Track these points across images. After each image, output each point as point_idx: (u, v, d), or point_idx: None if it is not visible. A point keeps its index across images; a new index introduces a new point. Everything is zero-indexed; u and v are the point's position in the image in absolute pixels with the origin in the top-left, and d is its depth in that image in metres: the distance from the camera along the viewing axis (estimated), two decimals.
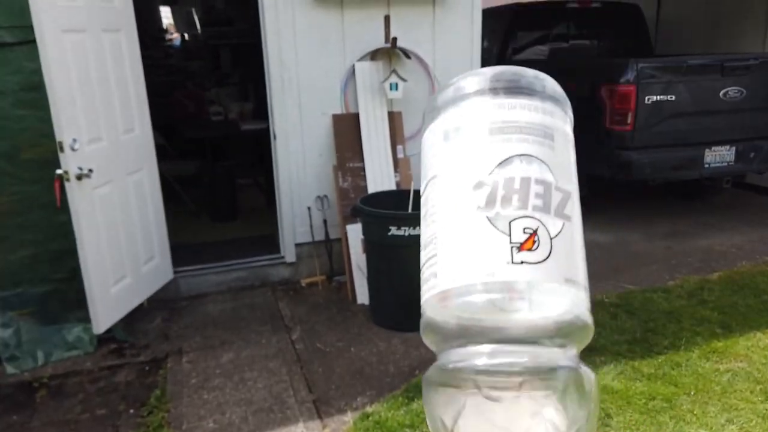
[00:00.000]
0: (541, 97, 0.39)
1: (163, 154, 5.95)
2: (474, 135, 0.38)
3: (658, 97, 4.30)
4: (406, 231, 3.19)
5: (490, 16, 6.26)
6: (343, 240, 3.86)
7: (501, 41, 5.98)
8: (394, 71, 3.80)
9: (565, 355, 0.37)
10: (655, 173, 4.51)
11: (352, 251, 3.79)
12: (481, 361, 0.36)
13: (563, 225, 0.36)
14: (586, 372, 0.38)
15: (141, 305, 3.69)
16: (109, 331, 3.31)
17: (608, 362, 2.96)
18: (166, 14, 8.78)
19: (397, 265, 3.29)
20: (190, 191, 5.50)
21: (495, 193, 0.36)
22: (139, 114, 3.45)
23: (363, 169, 3.92)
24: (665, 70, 4.36)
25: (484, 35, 6.11)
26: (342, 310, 3.71)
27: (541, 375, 0.36)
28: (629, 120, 4.28)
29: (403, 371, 3.00)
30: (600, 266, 4.21)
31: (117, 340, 3.38)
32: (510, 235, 0.35)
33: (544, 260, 0.35)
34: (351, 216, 3.63)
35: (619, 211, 5.43)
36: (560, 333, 0.37)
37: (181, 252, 4.24)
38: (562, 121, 0.40)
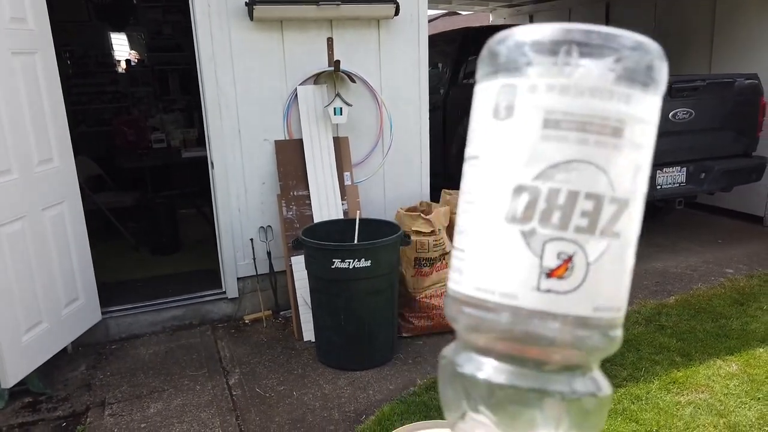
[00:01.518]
0: (617, 75, 0.30)
1: (101, 185, 5.65)
2: (525, 123, 0.31)
3: None
4: (351, 264, 2.98)
5: (441, 39, 6.22)
6: (288, 273, 3.63)
7: (453, 65, 5.92)
8: (338, 95, 3.63)
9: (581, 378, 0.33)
10: None
11: (297, 285, 3.55)
12: (482, 375, 0.33)
13: (607, 245, 0.31)
14: (602, 389, 0.34)
15: (64, 350, 3.36)
16: (22, 383, 2.98)
17: None
18: (116, 40, 8.50)
19: (342, 300, 3.08)
20: (129, 224, 5.19)
21: (534, 204, 0.31)
22: (59, 143, 3.17)
23: (308, 197, 3.71)
24: None
25: (437, 59, 6.07)
26: (286, 348, 3.46)
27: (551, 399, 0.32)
28: None
29: (348, 417, 2.77)
30: None
31: (32, 393, 3.04)
32: (542, 258, 0.31)
33: (574, 290, 0.31)
34: (294, 248, 3.41)
35: None
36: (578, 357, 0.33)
37: (114, 290, 3.94)
38: (641, 103, 0.31)
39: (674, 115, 4.43)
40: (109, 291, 3.95)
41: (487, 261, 0.33)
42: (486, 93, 0.34)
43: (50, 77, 3.11)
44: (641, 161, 0.32)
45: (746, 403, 2.73)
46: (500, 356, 0.33)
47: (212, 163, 3.65)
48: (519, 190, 0.31)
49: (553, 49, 0.31)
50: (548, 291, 0.31)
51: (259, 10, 3.42)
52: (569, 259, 0.31)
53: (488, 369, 0.33)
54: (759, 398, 2.76)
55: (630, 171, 0.32)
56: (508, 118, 0.32)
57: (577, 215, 0.31)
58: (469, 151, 0.34)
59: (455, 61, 5.90)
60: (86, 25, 7.42)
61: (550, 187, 0.31)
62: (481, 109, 0.34)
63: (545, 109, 0.31)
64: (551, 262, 0.31)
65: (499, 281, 0.32)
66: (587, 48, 0.31)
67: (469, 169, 0.34)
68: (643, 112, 0.32)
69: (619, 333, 0.34)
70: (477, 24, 9.00)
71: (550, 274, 0.31)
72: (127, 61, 8.31)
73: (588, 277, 0.31)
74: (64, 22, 6.79)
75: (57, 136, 3.16)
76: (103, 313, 3.58)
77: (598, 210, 0.31)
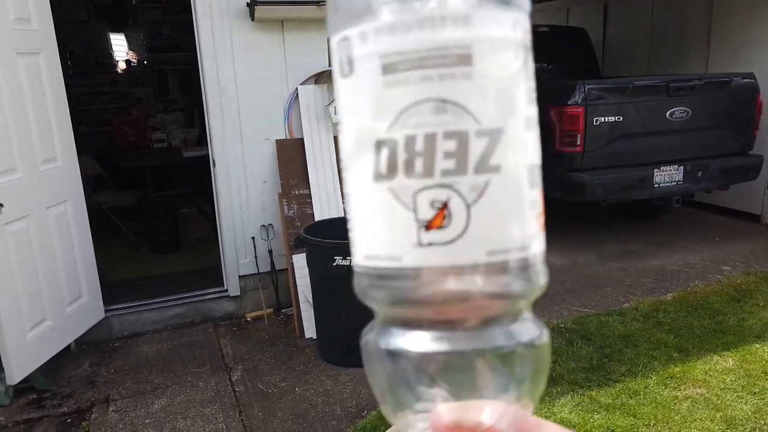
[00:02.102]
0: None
1: (102, 184, 5.68)
2: (366, 74, 0.29)
3: (607, 118, 4.29)
4: (352, 261, 3.01)
5: None
6: (289, 271, 3.66)
7: None
8: None
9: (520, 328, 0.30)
10: (606, 194, 4.48)
11: (299, 282, 3.58)
12: (413, 347, 0.29)
13: (486, 182, 0.28)
14: (541, 336, 0.31)
15: (68, 348, 3.39)
16: (27, 380, 3.00)
17: (565, 393, 2.84)
18: (116, 40, 8.53)
19: (344, 297, 3.10)
20: (130, 223, 5.21)
21: (395, 157, 0.28)
22: (62, 142, 3.20)
23: (309, 196, 3.75)
24: (612, 92, 4.37)
25: None
26: (288, 345, 3.49)
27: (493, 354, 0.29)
28: (578, 142, 4.25)
29: (350, 412, 2.80)
30: (554, 289, 4.14)
31: (37, 390, 3.07)
32: (415, 212, 0.28)
33: (458, 237, 0.28)
34: (295, 246, 3.44)
35: (571, 233, 5.40)
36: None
37: (117, 288, 3.96)
38: (496, 22, 0.29)
39: (671, 114, 4.47)
40: (111, 289, 3.97)
41: (368, 226, 0.31)
42: (333, 52, 0.31)
43: (54, 77, 3.14)
44: (510, 84, 0.29)
45: (742, 398, 2.76)
46: (421, 324, 0.30)
47: (214, 162, 3.68)
48: (378, 145, 0.29)
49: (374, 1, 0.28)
50: (431, 244, 0.28)
51: (261, 10, 3.46)
52: (444, 206, 0.28)
53: (416, 341, 0.30)
54: (755, 393, 2.80)
55: (495, 98, 0.29)
56: (352, 75, 0.30)
57: (441, 157, 0.28)
58: (336, 118, 0.34)
59: None
60: (85, 26, 7.44)
61: (405, 134, 0.28)
62: (334, 70, 0.31)
63: (380, 55, 0.29)
64: (426, 213, 0.28)
65: (383, 244, 0.30)
66: None
67: (339, 137, 0.32)
68: (498, 32, 0.29)
69: (536, 273, 0.31)
70: None
71: (428, 226, 0.28)
72: (127, 62, 8.34)
73: (471, 221, 0.28)
74: (64, 22, 6.83)
75: (60, 136, 3.19)
76: (105, 311, 3.60)
77: (465, 147, 0.28)
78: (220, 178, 3.70)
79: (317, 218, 3.64)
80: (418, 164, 0.28)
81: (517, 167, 0.30)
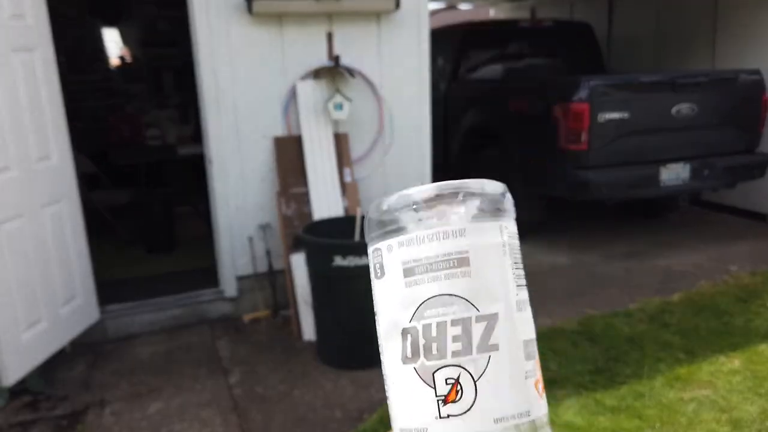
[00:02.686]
0: (458, 217, 0.37)
1: (96, 182, 5.62)
2: (393, 277, 0.38)
3: (612, 115, 4.21)
4: (351, 261, 2.96)
5: (442, 34, 6.18)
6: (287, 271, 3.60)
7: (453, 60, 5.88)
8: (338, 91, 3.60)
9: None
10: (612, 192, 4.41)
11: (297, 283, 3.52)
12: None
13: (489, 359, 0.35)
14: None
15: (62, 350, 3.34)
16: (22, 382, 2.95)
17: (570, 395, 2.78)
18: (110, 36, 8.45)
19: (344, 298, 3.05)
20: (124, 221, 5.15)
21: (417, 342, 0.36)
22: (57, 140, 3.14)
23: (308, 194, 3.68)
24: (618, 88, 4.29)
25: (438, 54, 6.03)
26: (287, 348, 3.43)
27: None
28: (584, 139, 4.17)
29: (351, 415, 2.75)
30: (560, 290, 4.09)
31: (31, 392, 3.02)
32: (435, 388, 0.35)
33: (469, 409, 0.34)
34: (294, 246, 3.38)
35: (576, 232, 5.33)
36: None
37: (111, 289, 3.90)
38: (486, 231, 0.37)
39: (678, 111, 4.39)
40: (105, 289, 3.92)
41: (400, 400, 0.37)
42: (369, 258, 0.40)
43: (49, 74, 3.08)
44: (499, 276, 0.37)
45: (749, 399, 2.71)
46: None
47: (210, 160, 3.62)
48: (404, 333, 0.37)
49: (395, 223, 0.38)
50: (448, 416, 0.35)
51: (259, 4, 3.39)
52: (456, 381, 0.35)
53: None
54: (761, 394, 2.74)
55: (488, 289, 0.36)
56: (383, 277, 0.38)
57: (450, 341, 0.35)
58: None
59: (457, 55, 5.86)
60: (79, 21, 7.37)
61: (423, 324, 0.36)
62: (371, 273, 0.40)
63: (401, 262, 0.37)
64: (443, 389, 0.35)
65: (412, 418, 0.36)
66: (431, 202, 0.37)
67: (377, 325, 0.40)
68: (487, 237, 0.37)
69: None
70: (478, 18, 8.95)
71: (445, 400, 0.35)
72: (121, 58, 8.26)
73: (479, 393, 0.34)
74: (58, 17, 6.76)
75: (55, 134, 3.13)
76: (100, 312, 3.55)
77: (468, 331, 0.35)
78: (216, 177, 3.63)
79: (316, 217, 3.57)
80: (434, 347, 0.35)
81: (512, 344, 0.36)
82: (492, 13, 9.97)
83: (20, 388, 2.98)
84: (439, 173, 5.11)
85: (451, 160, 5.89)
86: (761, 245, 4.86)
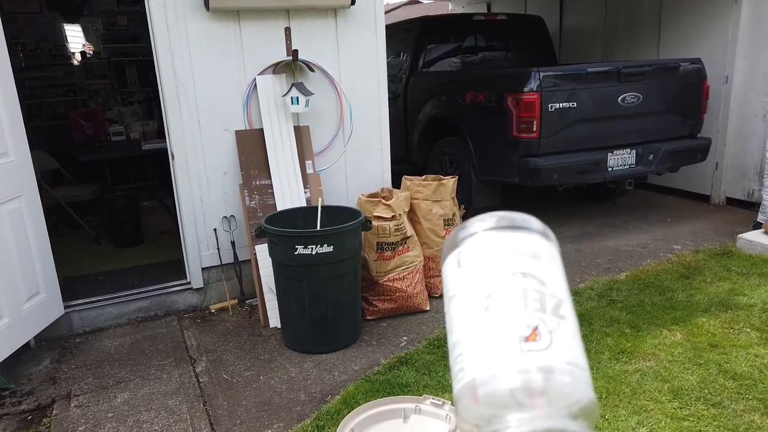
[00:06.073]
0: (528, 230, 0.48)
1: (59, 179, 5.56)
2: (482, 259, 0.46)
3: (561, 104, 4.40)
4: (313, 249, 3.05)
5: (401, 28, 6.29)
6: (252, 261, 3.67)
7: (412, 54, 5.99)
8: (294, 85, 3.68)
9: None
10: (562, 178, 4.60)
11: (262, 273, 3.60)
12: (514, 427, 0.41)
13: (559, 323, 0.43)
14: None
15: (27, 346, 3.35)
16: None
17: None
18: (70, 31, 8.27)
19: (306, 285, 3.15)
20: (90, 217, 5.13)
21: (502, 299, 0.43)
22: (14, 137, 3.14)
23: (271, 186, 3.76)
24: (566, 78, 4.48)
25: (397, 48, 6.14)
26: (253, 335, 3.51)
27: None
28: (535, 128, 4.35)
29: (314, 398, 2.85)
30: None
31: None
32: (517, 331, 0.42)
33: (547, 348, 0.41)
34: (257, 236, 3.45)
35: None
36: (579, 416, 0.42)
37: (77, 283, 3.92)
38: (545, 246, 0.48)
39: (623, 100, 4.61)
40: (72, 285, 3.93)
41: (481, 348, 0.43)
42: (451, 260, 0.48)
43: (2, 69, 3.06)
44: (561, 274, 0.47)
45: (689, 369, 2.90)
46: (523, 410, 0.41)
47: (172, 155, 3.65)
48: (488, 296, 0.44)
49: (486, 228, 0.48)
50: (529, 351, 0.41)
51: (215, 0, 3.43)
52: (536, 328, 0.42)
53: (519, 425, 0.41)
54: (700, 364, 2.94)
55: (556, 277, 0.46)
56: (470, 262, 0.46)
57: (531, 301, 0.43)
58: (448, 297, 0.48)
59: (415, 49, 5.98)
60: (38, 17, 7.22)
61: (509, 287, 0.44)
62: (450, 270, 0.48)
63: (492, 248, 0.46)
64: (524, 332, 0.42)
65: (494, 357, 0.42)
66: None
67: (451, 306, 0.47)
68: (544, 245, 0.48)
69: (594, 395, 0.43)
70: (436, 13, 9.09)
71: (526, 339, 0.41)
72: (82, 53, 8.12)
73: (554, 341, 0.42)
74: (15, 14, 6.63)
75: (12, 130, 3.12)
76: (66, 307, 3.56)
77: (544, 298, 0.44)
78: (179, 171, 3.68)
79: (279, 208, 3.65)
80: (518, 303, 0.43)
81: (574, 322, 0.45)
82: (450, 8, 10.12)
83: None
84: (403, 167, 5.26)
85: (412, 153, 6.02)
86: (704, 225, 5.14)
